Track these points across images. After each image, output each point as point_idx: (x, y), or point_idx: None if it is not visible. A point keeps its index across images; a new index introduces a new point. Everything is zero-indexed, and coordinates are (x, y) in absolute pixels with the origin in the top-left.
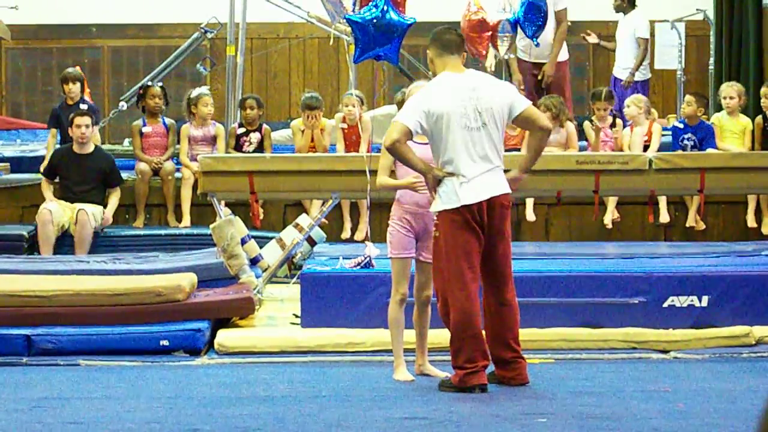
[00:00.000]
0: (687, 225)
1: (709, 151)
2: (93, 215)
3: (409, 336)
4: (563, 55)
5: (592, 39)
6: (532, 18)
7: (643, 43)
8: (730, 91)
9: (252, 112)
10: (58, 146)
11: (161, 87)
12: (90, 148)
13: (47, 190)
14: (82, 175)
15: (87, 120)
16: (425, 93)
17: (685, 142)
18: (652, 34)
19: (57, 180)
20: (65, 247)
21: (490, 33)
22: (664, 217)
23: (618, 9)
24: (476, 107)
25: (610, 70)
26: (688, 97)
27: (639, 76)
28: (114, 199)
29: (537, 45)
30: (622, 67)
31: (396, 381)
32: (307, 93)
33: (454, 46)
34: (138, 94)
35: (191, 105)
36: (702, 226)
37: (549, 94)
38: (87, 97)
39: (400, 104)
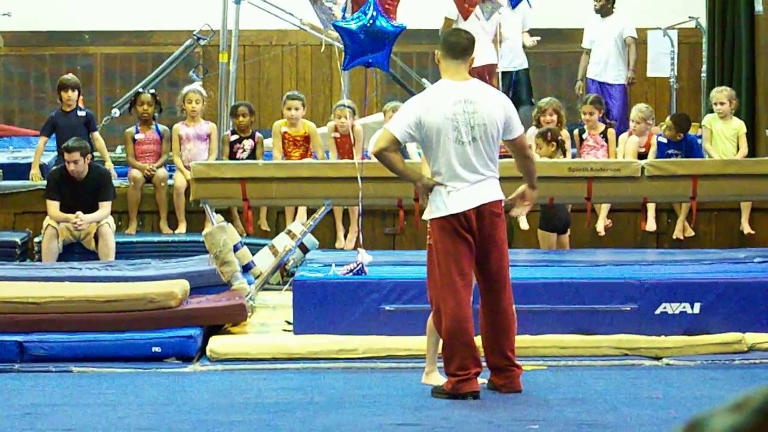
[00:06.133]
0: (674, 237)
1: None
2: (109, 224)
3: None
4: (491, 58)
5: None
6: None
7: (634, 42)
8: (721, 96)
9: (244, 120)
10: (51, 154)
11: (152, 94)
12: (85, 173)
13: (57, 211)
14: (77, 197)
15: (75, 156)
16: (419, 101)
17: (670, 156)
18: (645, 42)
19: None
20: (75, 254)
21: None
22: (651, 226)
23: (601, 10)
24: (469, 121)
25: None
26: (668, 121)
27: (623, 79)
28: (101, 211)
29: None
30: (603, 70)
31: (424, 385)
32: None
33: (459, 50)
34: (130, 101)
35: (182, 102)
36: (690, 233)
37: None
38: (80, 104)
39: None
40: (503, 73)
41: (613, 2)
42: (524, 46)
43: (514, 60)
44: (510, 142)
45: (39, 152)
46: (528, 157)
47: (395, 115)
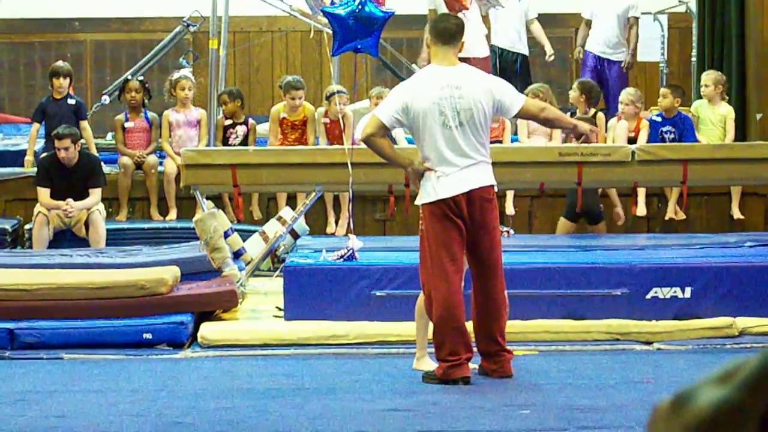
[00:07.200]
0: (666, 218)
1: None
2: (100, 211)
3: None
4: (484, 51)
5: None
6: None
7: (636, 24)
8: (706, 79)
9: (227, 106)
10: (41, 141)
11: (140, 81)
12: (75, 160)
13: (47, 198)
14: (68, 184)
15: (66, 142)
16: (406, 87)
17: (665, 135)
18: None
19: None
20: (65, 242)
21: None
22: (641, 210)
23: None
24: (455, 106)
25: None
26: (663, 90)
27: (623, 56)
28: (91, 198)
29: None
30: (605, 44)
31: (415, 371)
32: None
33: (447, 35)
34: (119, 88)
35: (172, 88)
36: (682, 215)
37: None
38: (71, 92)
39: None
40: (501, 50)
41: None
42: (528, 32)
43: (513, 45)
44: (520, 114)
45: (33, 139)
46: (548, 119)
47: (383, 100)
